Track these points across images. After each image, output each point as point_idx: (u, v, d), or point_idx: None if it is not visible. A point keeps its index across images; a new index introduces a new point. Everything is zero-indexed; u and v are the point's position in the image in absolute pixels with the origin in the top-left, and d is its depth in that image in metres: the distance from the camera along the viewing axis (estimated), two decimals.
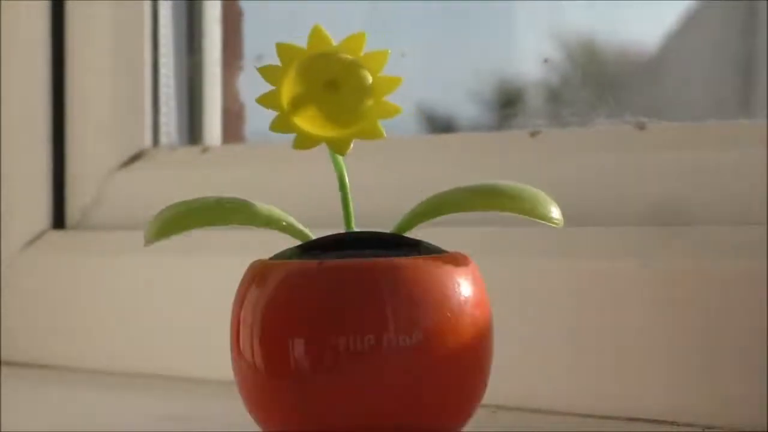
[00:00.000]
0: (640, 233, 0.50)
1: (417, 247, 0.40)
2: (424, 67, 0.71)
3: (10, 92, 0.73)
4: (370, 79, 0.39)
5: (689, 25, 0.67)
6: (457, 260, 0.39)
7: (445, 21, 0.73)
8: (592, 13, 0.67)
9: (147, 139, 0.72)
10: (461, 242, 0.43)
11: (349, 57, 0.39)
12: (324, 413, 0.37)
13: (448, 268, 0.38)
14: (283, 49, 0.39)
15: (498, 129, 0.69)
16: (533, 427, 0.48)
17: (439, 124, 0.74)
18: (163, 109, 0.73)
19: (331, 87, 0.39)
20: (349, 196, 0.41)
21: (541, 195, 0.40)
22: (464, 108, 0.72)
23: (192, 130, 0.75)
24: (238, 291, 0.40)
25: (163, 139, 0.73)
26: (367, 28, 0.39)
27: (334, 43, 0.39)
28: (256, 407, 0.39)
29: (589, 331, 0.49)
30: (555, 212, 0.39)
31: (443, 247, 0.40)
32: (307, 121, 0.39)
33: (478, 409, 0.40)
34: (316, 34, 0.39)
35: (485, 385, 0.39)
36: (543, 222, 0.39)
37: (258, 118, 0.73)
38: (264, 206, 0.41)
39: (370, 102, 0.39)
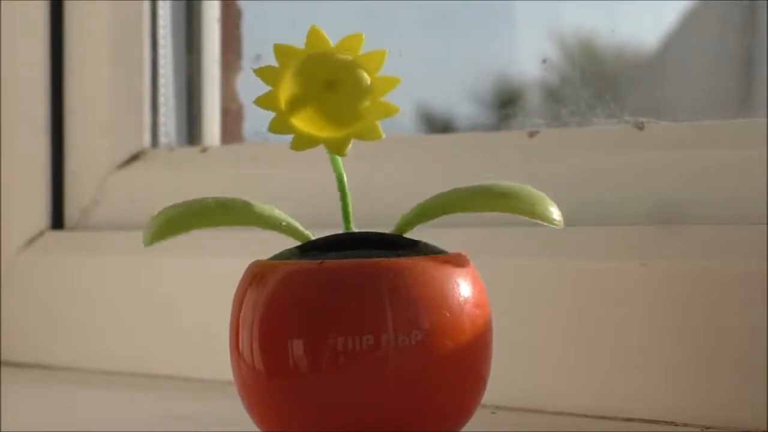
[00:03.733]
0: (640, 233, 0.50)
1: (416, 247, 0.40)
2: (422, 67, 0.71)
3: (10, 92, 0.72)
4: (368, 79, 0.39)
5: (689, 24, 0.67)
6: (457, 260, 0.39)
7: (443, 20, 0.73)
8: (591, 12, 0.67)
9: (146, 139, 0.72)
10: (461, 242, 0.43)
11: (347, 57, 0.39)
12: (323, 414, 0.37)
13: (448, 269, 0.38)
14: (280, 50, 0.39)
15: (496, 129, 0.69)
16: (533, 427, 0.48)
17: (438, 124, 0.74)
18: (162, 109, 0.73)
19: (329, 87, 0.39)
20: (348, 196, 0.40)
21: (541, 196, 0.40)
22: (462, 108, 0.72)
23: (191, 130, 0.75)
24: (238, 291, 0.40)
25: (162, 139, 0.73)
26: (366, 28, 0.39)
27: (332, 43, 0.39)
28: (255, 407, 0.39)
29: (589, 331, 0.49)
30: (555, 213, 0.39)
31: (443, 247, 0.40)
32: (305, 122, 0.39)
33: (478, 409, 0.40)
34: (313, 34, 0.39)
35: (485, 385, 0.39)
36: (543, 223, 0.39)
37: (257, 118, 0.73)
38: (264, 206, 0.41)
39: (368, 102, 0.39)
